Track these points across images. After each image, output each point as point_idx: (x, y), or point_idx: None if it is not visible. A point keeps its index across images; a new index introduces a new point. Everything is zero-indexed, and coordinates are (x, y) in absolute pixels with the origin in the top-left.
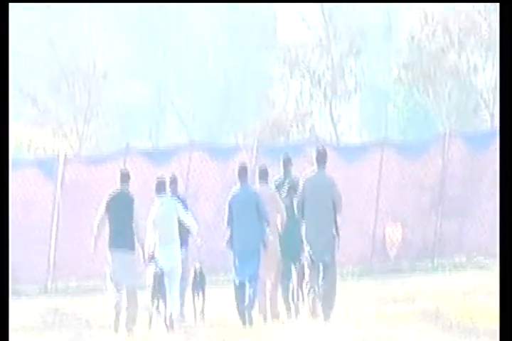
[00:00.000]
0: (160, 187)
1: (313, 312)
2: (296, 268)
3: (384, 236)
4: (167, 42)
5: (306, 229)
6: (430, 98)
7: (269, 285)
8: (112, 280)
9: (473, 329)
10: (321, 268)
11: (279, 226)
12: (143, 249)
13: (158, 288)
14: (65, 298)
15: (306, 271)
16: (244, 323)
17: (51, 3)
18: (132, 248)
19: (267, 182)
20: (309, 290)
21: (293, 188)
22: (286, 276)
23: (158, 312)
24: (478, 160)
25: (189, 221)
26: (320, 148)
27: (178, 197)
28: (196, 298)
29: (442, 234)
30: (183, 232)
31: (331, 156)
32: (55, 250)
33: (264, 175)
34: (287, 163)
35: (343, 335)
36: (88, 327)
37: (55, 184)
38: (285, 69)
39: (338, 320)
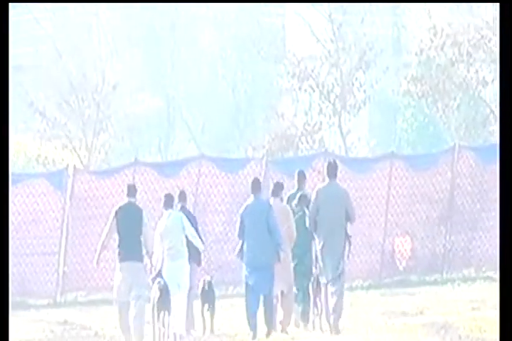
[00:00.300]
0: (168, 202)
1: (323, 325)
2: (308, 281)
3: (393, 248)
4: (176, 55)
5: (319, 241)
6: (439, 111)
7: (280, 298)
8: (120, 292)
9: None
10: (331, 281)
11: (289, 240)
12: (151, 260)
13: (163, 302)
14: (74, 310)
15: (318, 285)
16: (254, 337)
17: (54, 4)
18: (140, 260)
19: (281, 196)
20: (320, 304)
21: (304, 197)
22: (298, 290)
23: (163, 326)
24: (487, 173)
25: (193, 237)
26: (331, 161)
27: (188, 212)
28: (205, 310)
29: (451, 247)
30: (192, 246)
31: (340, 169)
32: (64, 262)
33: (278, 188)
34: (302, 178)
35: None
36: (97, 339)
37: (64, 197)
38: (294, 82)
39: (347, 333)
